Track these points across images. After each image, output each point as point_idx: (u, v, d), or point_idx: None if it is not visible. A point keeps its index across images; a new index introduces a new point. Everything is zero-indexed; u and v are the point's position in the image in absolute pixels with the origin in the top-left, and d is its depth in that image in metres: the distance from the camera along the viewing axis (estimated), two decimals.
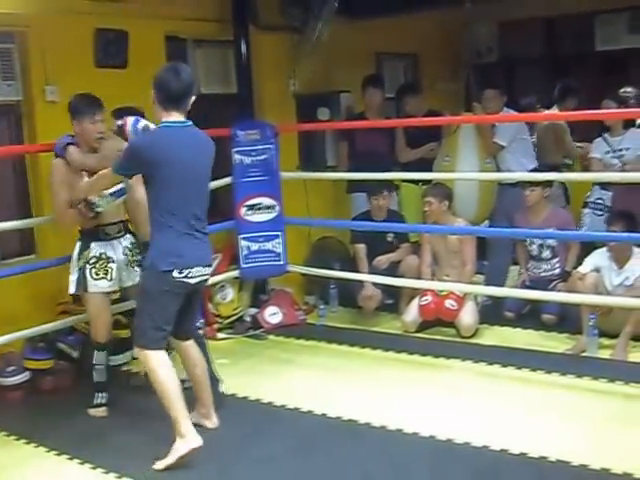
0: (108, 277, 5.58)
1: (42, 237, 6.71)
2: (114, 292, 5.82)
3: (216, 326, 7.25)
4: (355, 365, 6.35)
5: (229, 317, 7.36)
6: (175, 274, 4.72)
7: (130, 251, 5.70)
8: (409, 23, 8.87)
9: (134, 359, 6.47)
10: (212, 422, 5.22)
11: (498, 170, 7.61)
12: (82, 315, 6.05)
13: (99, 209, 5.41)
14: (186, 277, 4.77)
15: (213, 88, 8.00)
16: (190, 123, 4.92)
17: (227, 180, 7.22)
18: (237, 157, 7.22)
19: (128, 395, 5.90)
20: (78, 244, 5.61)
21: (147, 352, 4.81)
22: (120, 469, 4.75)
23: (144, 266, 4.98)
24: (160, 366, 4.79)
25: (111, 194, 5.34)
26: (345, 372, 6.23)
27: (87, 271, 5.53)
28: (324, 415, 5.39)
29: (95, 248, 5.57)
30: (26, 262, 6.57)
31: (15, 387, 6.01)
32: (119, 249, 5.65)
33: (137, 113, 5.49)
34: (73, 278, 5.56)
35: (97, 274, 5.55)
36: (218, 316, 7.31)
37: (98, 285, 5.55)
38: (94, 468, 4.78)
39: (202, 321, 7.06)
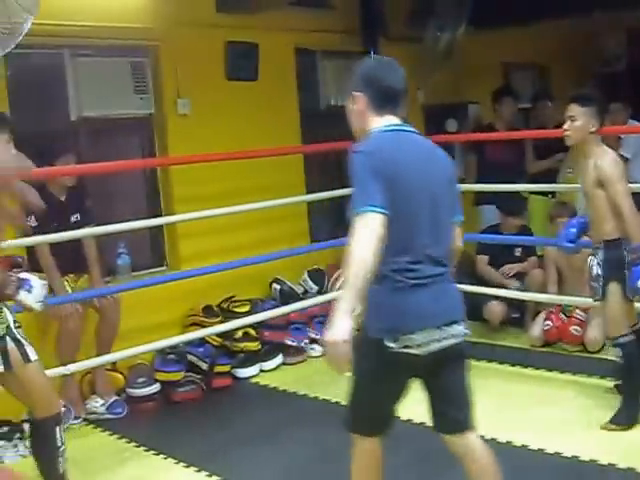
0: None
1: (172, 249, 6.79)
2: None
3: None
4: (481, 380, 6.17)
5: None
6: (389, 343, 3.30)
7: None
8: (536, 33, 8.70)
9: (262, 371, 6.54)
10: None
11: None
12: (212, 328, 6.10)
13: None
14: (406, 347, 3.32)
15: (342, 100, 7.95)
16: (413, 129, 3.60)
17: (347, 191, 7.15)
18: None
19: (255, 409, 5.90)
20: None
21: (352, 434, 3.65)
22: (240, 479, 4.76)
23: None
24: (359, 457, 3.65)
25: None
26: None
27: (19, 336, 4.04)
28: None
29: (5, 311, 4.04)
30: (156, 274, 6.66)
31: (145, 398, 6.06)
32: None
33: None
34: None
35: (27, 339, 4.11)
36: None
37: (34, 352, 4.13)
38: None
39: None
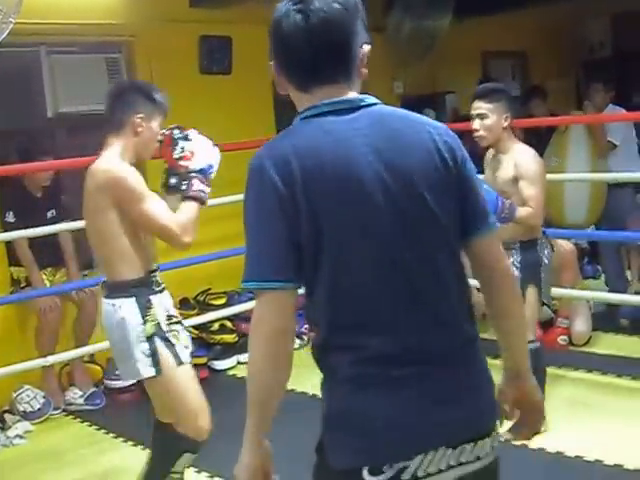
0: (185, 343, 3.68)
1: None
2: None
3: None
4: None
5: None
6: (367, 476, 1.99)
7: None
8: (516, 20, 8.71)
9: (239, 364, 6.61)
10: None
11: (608, 171, 7.36)
12: (189, 320, 6.17)
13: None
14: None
15: None
16: (373, 100, 2.15)
17: None
18: None
19: (232, 401, 5.94)
20: (130, 303, 3.51)
21: None
22: (225, 473, 4.71)
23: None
24: None
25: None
26: None
27: (170, 336, 3.58)
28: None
29: (157, 303, 3.59)
30: None
31: (123, 390, 6.10)
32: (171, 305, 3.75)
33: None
34: (142, 357, 3.52)
35: (178, 339, 3.63)
36: None
37: (187, 354, 3.67)
38: (199, 472, 4.82)
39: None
